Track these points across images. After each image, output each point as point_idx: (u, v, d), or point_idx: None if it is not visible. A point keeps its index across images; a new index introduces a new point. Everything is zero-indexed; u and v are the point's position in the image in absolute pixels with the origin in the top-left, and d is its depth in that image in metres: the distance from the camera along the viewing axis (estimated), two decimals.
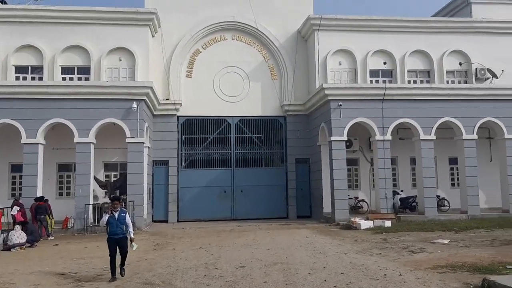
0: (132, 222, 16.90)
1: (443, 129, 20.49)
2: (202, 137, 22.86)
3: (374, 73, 23.07)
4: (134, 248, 9.34)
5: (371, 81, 22.70)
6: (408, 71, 23.10)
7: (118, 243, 9.06)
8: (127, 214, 9.38)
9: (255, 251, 12.31)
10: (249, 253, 11.97)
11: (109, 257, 9.02)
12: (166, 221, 21.56)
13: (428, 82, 23.07)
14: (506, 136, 20.34)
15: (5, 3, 24.21)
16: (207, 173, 22.66)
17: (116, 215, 9.10)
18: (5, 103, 17.80)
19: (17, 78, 20.65)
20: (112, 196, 9.25)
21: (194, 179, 22.44)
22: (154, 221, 21.37)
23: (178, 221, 21.67)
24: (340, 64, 22.78)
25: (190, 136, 22.80)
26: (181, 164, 22.61)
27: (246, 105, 23.09)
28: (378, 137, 19.67)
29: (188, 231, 17.97)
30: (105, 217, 9.15)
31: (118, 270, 9.09)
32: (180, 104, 22.32)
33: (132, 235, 9.39)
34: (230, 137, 23.09)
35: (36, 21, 20.87)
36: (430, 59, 23.21)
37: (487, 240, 13.45)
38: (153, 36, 22.28)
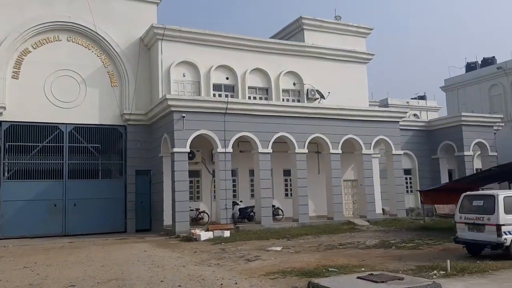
0: None
1: (279, 143, 21.89)
2: (29, 145, 20.65)
3: (217, 87, 23.65)
4: None
5: (214, 95, 23.20)
6: (249, 87, 24.24)
7: None
8: None
9: (88, 268, 11.41)
10: (81, 271, 11.04)
11: None
12: None
13: (266, 99, 24.48)
14: (331, 151, 22.58)
15: None
16: (35, 185, 20.48)
17: None
18: None
19: None
20: None
21: (19, 191, 20.11)
22: None
23: (0, 239, 19.08)
24: (184, 76, 22.82)
25: (16, 143, 20.42)
26: (4, 175, 20.06)
27: (82, 112, 21.59)
28: (220, 149, 20.11)
29: (11, 249, 15.99)
30: None
31: None
32: (4, 107, 19.90)
33: None
34: (63, 146, 21.31)
35: None
36: (268, 77, 24.72)
37: (314, 246, 14.65)
38: None
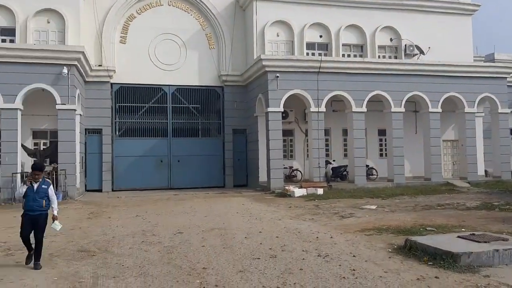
0: (63, 192, 16.50)
1: (374, 102, 21.42)
2: (137, 106, 22.35)
3: (310, 46, 23.50)
4: (58, 229, 7.62)
5: (307, 54, 23.12)
6: (343, 44, 23.75)
7: (34, 222, 7.26)
8: (51, 186, 7.55)
9: (192, 218, 12.44)
10: (187, 220, 12.08)
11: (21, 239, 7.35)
12: (100, 191, 21.10)
13: (361, 56, 23.88)
14: (430, 109, 21.64)
15: None
16: (143, 142, 22.29)
17: (35, 186, 7.29)
18: None
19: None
20: (33, 164, 7.55)
21: (129, 148, 22.01)
22: (87, 191, 20.83)
23: (113, 190, 21.28)
24: (278, 36, 22.95)
25: (125, 104, 22.20)
26: (116, 133, 22.04)
27: (183, 74, 22.76)
28: (313, 108, 20.22)
29: (124, 200, 17.72)
30: (22, 189, 7.40)
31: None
32: (114, 71, 21.59)
33: (55, 212, 7.53)
34: (167, 106, 22.76)
35: None
36: (363, 34, 23.98)
37: (411, 206, 14.48)
38: None
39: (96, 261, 7.69)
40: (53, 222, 7.43)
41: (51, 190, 7.43)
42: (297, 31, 22.99)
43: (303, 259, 7.52)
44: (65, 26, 20.05)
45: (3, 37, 19.78)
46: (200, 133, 23.40)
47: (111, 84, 21.80)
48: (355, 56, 23.90)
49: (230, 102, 23.28)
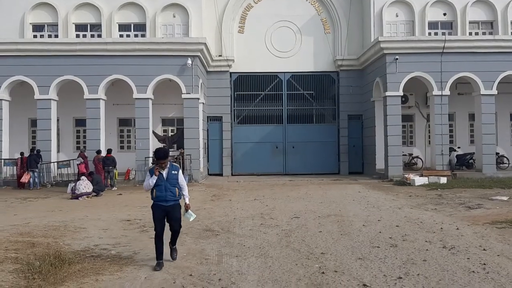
0: (189, 175, 17.70)
1: (505, 83, 19.50)
2: (254, 94, 23.02)
3: (433, 25, 22.05)
4: (191, 219, 6.93)
5: (429, 34, 21.75)
6: (470, 22, 21.87)
7: (168, 213, 6.55)
8: (180, 171, 6.77)
9: (308, 204, 12.58)
10: (303, 205, 12.26)
11: (154, 233, 6.62)
12: (221, 175, 22.29)
13: (491, 33, 21.79)
14: None
15: None
16: (259, 129, 22.96)
17: (164, 173, 6.51)
18: (67, 60, 18.61)
19: (77, 36, 21.40)
20: (155, 153, 6.63)
21: (247, 134, 22.84)
22: (209, 175, 22.13)
23: (232, 175, 22.33)
24: (397, 16, 21.90)
25: (243, 92, 23.01)
26: (234, 120, 22.99)
27: (298, 60, 22.89)
28: (436, 92, 19.04)
29: (243, 184, 18.51)
30: (151, 180, 6.48)
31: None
32: (233, 60, 22.45)
33: (187, 200, 6.81)
34: (282, 93, 23.11)
35: None
36: (494, 9, 21.81)
37: None
38: None
39: (219, 240, 8.19)
40: (186, 212, 6.81)
41: (181, 176, 6.71)
42: (418, 10, 21.69)
43: (427, 250, 7.22)
44: (188, 19, 21.32)
45: (136, 32, 21.65)
46: (314, 119, 23.40)
47: (230, 73, 22.73)
48: (484, 33, 21.86)
49: (346, 87, 22.88)
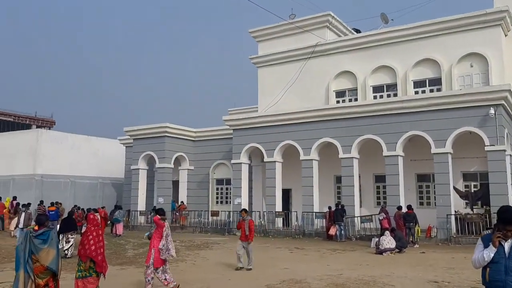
0: None
1: None
2: None
3: None
4: None
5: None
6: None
7: None
8: None
9: None
10: None
11: None
12: None
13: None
14: None
15: (359, 31, 27.27)
16: None
17: (507, 247, 4.38)
18: (366, 120, 19.98)
19: (375, 97, 22.91)
20: (503, 210, 4.45)
21: None
22: None
23: None
24: None
25: None
26: None
27: None
28: None
29: None
30: (485, 253, 4.42)
31: None
32: None
33: None
34: None
35: (387, 42, 22.73)
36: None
37: None
38: (505, 36, 20.58)
39: None
40: None
41: None
42: None
43: None
44: (488, 67, 20.02)
45: (431, 87, 21.62)
46: None
47: None
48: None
49: None
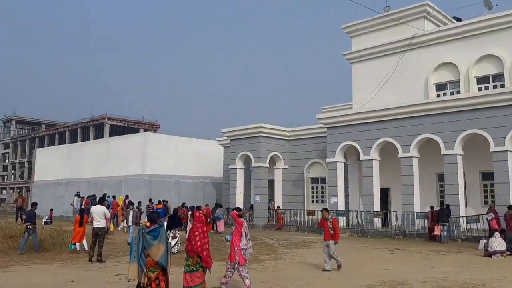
0: None
1: None
2: None
3: None
4: None
5: None
6: None
7: None
8: None
9: None
10: None
11: None
12: None
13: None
14: None
15: (460, 19, 25.54)
16: None
17: None
18: (471, 113, 18.72)
19: (479, 89, 21.50)
20: None
21: None
22: None
23: None
24: None
25: None
26: None
27: None
28: None
29: None
30: None
31: None
32: None
33: None
34: None
35: (492, 29, 21.57)
36: None
37: None
38: None
39: None
40: None
41: None
42: None
43: None
44: None
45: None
46: None
47: None
48: None
49: None
